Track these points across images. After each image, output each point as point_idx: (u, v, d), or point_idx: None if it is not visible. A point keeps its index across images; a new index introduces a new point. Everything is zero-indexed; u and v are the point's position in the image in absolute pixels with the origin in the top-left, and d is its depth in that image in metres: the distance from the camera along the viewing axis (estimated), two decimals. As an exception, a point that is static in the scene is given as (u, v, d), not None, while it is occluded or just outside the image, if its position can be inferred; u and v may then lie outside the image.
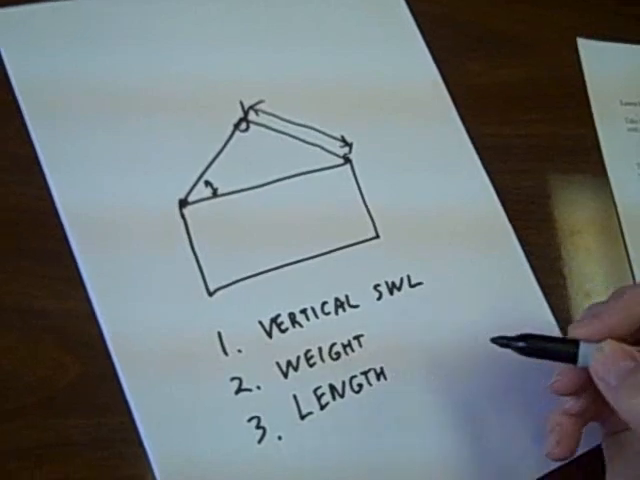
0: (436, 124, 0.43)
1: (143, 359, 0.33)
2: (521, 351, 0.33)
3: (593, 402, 0.34)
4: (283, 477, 0.33)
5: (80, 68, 0.36)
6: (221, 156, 0.37)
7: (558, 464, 0.36)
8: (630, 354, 0.31)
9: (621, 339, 0.32)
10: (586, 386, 0.33)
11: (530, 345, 0.33)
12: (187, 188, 0.36)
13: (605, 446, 0.37)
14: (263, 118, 0.39)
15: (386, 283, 0.38)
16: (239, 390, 0.34)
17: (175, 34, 0.38)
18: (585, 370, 0.32)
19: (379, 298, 0.38)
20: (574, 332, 0.33)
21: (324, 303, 0.37)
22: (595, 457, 0.37)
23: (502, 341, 0.33)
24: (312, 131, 0.39)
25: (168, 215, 0.35)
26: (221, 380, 0.34)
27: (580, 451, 0.35)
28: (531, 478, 0.37)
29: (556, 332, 0.40)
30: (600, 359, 0.31)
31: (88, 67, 0.36)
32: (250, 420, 0.33)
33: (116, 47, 0.37)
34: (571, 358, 0.32)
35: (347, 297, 0.37)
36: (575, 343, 0.32)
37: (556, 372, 0.34)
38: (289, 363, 0.35)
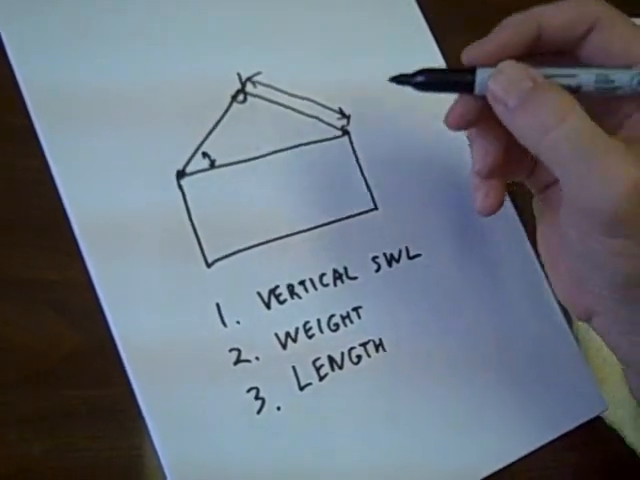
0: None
1: (141, 330, 0.33)
2: (420, 86, 0.31)
3: (499, 152, 0.32)
4: (282, 447, 0.34)
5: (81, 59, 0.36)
6: (219, 128, 0.37)
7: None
8: (529, 75, 0.29)
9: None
10: (483, 118, 0.31)
11: (429, 78, 0.31)
12: (185, 159, 0.36)
13: (535, 208, 0.35)
14: (260, 90, 0.38)
15: (384, 255, 0.38)
16: (238, 361, 0.34)
17: (174, 15, 0.38)
18: (482, 99, 0.30)
19: (377, 270, 0.38)
20: (466, 55, 0.31)
21: (322, 275, 0.37)
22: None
23: (401, 78, 0.32)
24: (310, 103, 0.39)
25: (166, 186, 0.35)
26: (220, 351, 0.34)
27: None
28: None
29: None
30: (499, 80, 0.29)
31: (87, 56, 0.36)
32: (249, 391, 0.34)
33: (113, 37, 0.37)
34: (469, 87, 0.31)
35: (345, 269, 0.37)
36: (473, 71, 0.30)
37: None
38: (288, 334, 0.35)
